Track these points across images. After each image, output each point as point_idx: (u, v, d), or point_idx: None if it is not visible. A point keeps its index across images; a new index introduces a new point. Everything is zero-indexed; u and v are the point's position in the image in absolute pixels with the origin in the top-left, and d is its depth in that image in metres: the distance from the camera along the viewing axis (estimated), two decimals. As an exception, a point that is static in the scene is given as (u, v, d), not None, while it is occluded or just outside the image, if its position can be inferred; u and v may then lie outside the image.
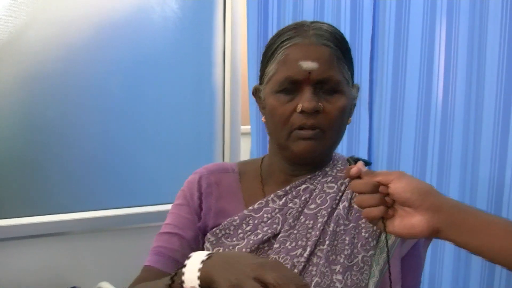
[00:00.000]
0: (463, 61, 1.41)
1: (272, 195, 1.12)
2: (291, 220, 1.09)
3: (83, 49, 1.86)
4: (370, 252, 1.06)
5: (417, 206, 0.88)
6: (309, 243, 1.06)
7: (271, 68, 1.07)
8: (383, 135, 1.63)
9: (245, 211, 1.11)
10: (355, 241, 1.06)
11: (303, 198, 1.10)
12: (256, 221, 1.10)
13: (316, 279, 1.03)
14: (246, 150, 2.17)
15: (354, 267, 1.04)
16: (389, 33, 1.59)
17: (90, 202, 1.91)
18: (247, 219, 1.11)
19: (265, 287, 0.80)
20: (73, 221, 1.86)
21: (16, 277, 1.76)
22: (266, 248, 1.08)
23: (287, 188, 1.11)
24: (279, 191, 1.11)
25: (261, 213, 1.11)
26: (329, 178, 1.12)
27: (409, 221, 0.89)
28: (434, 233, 0.89)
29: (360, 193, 0.92)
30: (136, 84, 1.97)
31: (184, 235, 1.13)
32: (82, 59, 1.86)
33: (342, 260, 1.04)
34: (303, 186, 1.11)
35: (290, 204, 1.10)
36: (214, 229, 1.12)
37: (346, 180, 1.11)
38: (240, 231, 1.10)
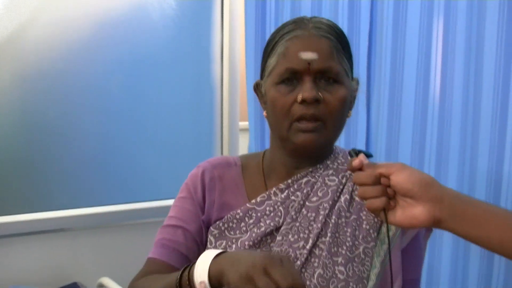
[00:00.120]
0: (460, 55, 1.42)
1: (274, 189, 1.13)
2: (293, 213, 1.09)
3: (81, 47, 1.86)
4: (371, 244, 1.07)
5: (418, 197, 0.89)
6: (311, 235, 1.07)
7: (272, 61, 1.08)
8: (381, 130, 1.64)
9: (247, 205, 1.12)
10: (357, 233, 1.08)
11: (304, 191, 1.11)
12: (259, 214, 1.11)
13: (319, 270, 1.04)
14: (244, 146, 2.18)
15: (356, 259, 1.05)
16: (386, 30, 1.60)
17: (90, 198, 1.91)
18: (250, 212, 1.12)
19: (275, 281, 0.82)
20: (73, 217, 1.86)
21: (17, 273, 1.77)
22: (268, 240, 1.09)
23: (289, 181, 1.12)
24: (281, 185, 1.12)
25: (264, 206, 1.12)
26: (330, 171, 1.13)
27: (411, 211, 0.90)
28: (435, 223, 0.90)
29: (362, 184, 0.93)
30: (134, 82, 1.97)
31: (188, 228, 1.13)
32: (81, 57, 1.87)
33: (344, 251, 1.05)
34: (305, 179, 1.12)
35: (292, 197, 1.11)
36: (217, 222, 1.12)
37: (348, 172, 1.12)
38: (243, 224, 1.11)
